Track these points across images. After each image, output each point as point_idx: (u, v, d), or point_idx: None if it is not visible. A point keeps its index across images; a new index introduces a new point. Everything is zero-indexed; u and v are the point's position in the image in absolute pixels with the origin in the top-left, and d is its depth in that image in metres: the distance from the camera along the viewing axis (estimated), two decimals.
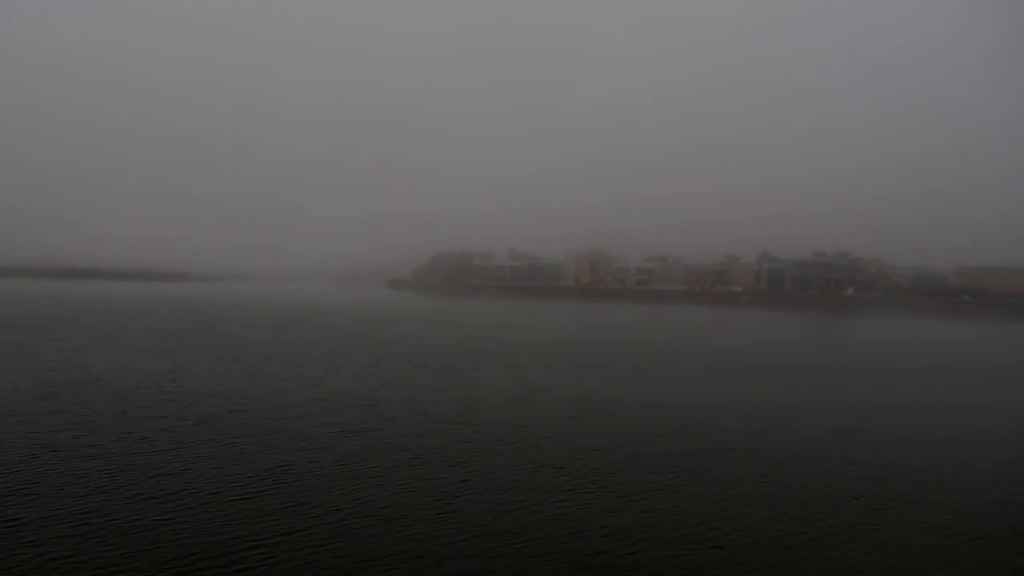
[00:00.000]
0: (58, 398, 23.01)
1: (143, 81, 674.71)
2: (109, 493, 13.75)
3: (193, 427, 19.54)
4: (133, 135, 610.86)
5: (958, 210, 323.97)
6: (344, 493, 14.29)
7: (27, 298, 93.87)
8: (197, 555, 11.12)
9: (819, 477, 16.64)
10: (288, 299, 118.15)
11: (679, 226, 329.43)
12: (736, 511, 14.05)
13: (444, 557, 11.47)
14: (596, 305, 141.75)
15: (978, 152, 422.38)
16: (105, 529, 11.97)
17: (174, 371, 29.80)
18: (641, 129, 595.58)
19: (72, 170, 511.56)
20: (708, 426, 22.06)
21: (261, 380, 28.33)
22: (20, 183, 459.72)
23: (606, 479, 15.89)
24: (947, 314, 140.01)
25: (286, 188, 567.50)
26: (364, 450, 17.71)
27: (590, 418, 22.84)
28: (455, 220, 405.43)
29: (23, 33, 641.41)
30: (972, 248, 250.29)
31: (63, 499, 13.30)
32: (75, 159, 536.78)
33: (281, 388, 26.53)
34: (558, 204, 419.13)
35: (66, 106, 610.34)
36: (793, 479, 16.38)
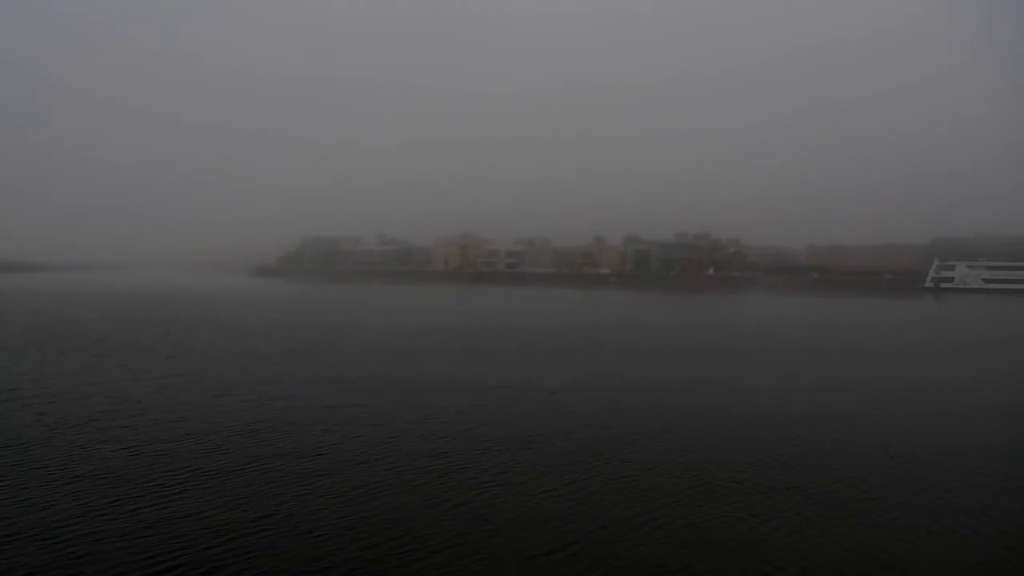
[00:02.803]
0: None
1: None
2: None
3: (80, 432, 18.43)
4: None
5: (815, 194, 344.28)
6: (256, 494, 13.94)
7: None
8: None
9: (715, 459, 17.46)
10: (149, 289, 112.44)
11: (549, 211, 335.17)
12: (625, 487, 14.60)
13: (335, 551, 11.49)
14: (467, 289, 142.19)
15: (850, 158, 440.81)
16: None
17: (42, 370, 27.95)
18: (531, 116, 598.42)
19: None
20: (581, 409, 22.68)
21: (139, 377, 26.98)
22: None
23: (494, 462, 16.16)
24: (798, 290, 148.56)
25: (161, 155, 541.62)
26: (261, 444, 17.25)
27: (480, 404, 23.03)
28: (330, 202, 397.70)
29: None
30: (820, 227, 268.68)
31: None
32: None
33: (164, 385, 25.36)
34: (430, 184, 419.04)
35: None
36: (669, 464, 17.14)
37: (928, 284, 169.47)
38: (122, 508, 12.96)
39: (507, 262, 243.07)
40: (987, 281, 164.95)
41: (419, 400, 23.33)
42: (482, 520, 12.81)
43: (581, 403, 23.36)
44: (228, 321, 53.81)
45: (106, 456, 16.09)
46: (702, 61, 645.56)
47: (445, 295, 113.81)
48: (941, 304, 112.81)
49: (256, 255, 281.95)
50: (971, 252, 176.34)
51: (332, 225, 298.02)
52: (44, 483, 14.18)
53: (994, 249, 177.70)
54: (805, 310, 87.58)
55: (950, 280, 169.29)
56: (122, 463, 15.58)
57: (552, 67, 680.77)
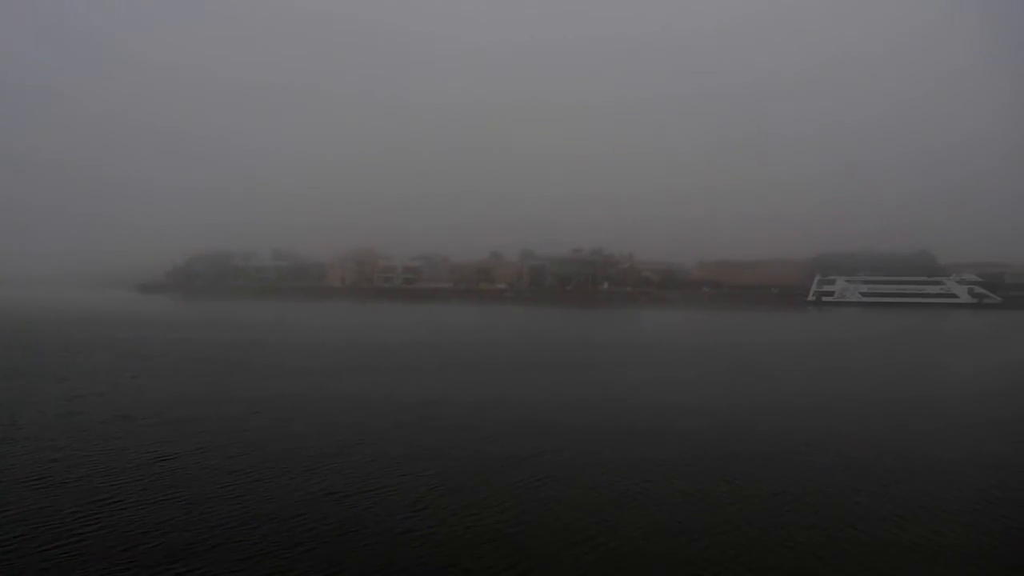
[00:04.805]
0: None
1: None
2: None
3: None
4: None
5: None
6: (168, 524, 13.56)
7: None
8: None
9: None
10: (25, 307, 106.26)
11: (447, 226, 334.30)
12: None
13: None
14: (361, 305, 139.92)
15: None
16: None
17: None
18: (429, 129, 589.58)
19: None
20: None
21: (33, 401, 25.57)
22: None
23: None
24: (696, 305, 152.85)
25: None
26: (171, 471, 16.76)
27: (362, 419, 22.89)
28: (217, 216, 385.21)
29: None
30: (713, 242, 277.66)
31: None
32: None
33: (62, 410, 24.12)
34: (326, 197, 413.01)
35: None
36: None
37: (811, 298, 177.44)
38: (28, 544, 12.34)
39: (404, 277, 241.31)
40: (864, 295, 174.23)
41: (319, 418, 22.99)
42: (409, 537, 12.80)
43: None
44: (123, 341, 51.48)
45: (5, 488, 15.20)
46: (633, 83, 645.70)
47: (338, 312, 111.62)
48: (823, 316, 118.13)
49: (140, 268, 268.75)
50: (850, 267, 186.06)
51: (223, 236, 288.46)
52: None
53: (871, 264, 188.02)
54: (703, 323, 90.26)
55: (831, 294, 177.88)
56: (26, 495, 14.77)
57: (460, 84, 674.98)
